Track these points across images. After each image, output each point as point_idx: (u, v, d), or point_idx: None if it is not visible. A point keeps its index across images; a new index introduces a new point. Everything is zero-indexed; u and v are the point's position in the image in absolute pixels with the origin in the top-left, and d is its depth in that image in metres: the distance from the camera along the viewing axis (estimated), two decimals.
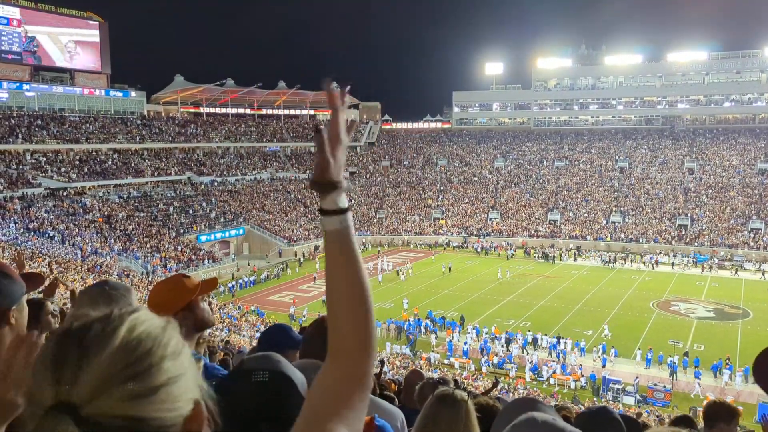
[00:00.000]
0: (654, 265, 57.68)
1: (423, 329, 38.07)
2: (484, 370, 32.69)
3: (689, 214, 67.41)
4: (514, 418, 1.72)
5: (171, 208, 62.15)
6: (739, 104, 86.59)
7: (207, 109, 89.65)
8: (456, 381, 11.83)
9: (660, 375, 31.04)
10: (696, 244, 62.26)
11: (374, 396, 3.42)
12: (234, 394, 1.78)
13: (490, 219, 73.28)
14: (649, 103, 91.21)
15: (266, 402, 1.73)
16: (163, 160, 72.60)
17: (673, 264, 57.68)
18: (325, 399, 1.27)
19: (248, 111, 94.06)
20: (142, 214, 58.60)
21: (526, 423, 1.57)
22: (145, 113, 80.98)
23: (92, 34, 75.22)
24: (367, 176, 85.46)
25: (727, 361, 31.03)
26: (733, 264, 56.27)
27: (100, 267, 42.70)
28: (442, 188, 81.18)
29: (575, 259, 61.73)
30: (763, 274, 53.26)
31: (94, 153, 67.49)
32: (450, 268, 55.31)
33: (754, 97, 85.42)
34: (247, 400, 1.74)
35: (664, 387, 29.19)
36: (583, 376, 31.33)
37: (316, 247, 64.96)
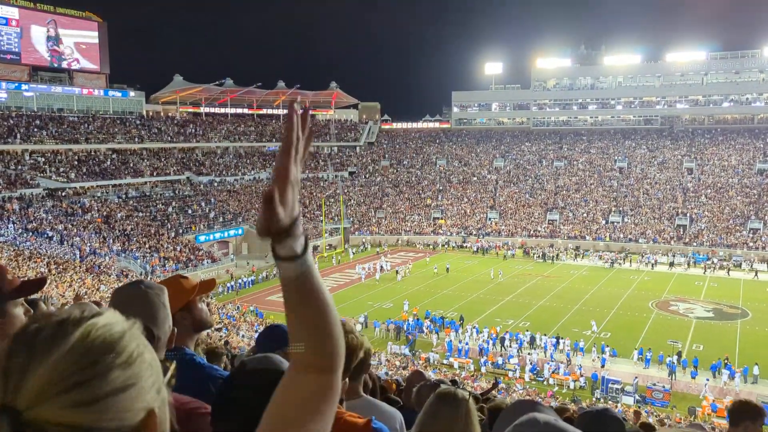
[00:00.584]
0: (653, 265, 57.72)
1: (425, 330, 38.05)
2: (483, 370, 32.69)
3: (688, 214, 67.45)
4: (515, 419, 1.72)
5: (170, 208, 62.13)
6: (738, 104, 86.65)
7: (206, 109, 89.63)
8: (455, 381, 11.82)
9: (659, 375, 31.04)
10: (695, 244, 62.32)
11: (374, 398, 3.41)
12: (236, 396, 1.76)
13: (490, 219, 73.31)
14: (648, 103, 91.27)
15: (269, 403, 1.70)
16: (162, 160, 72.61)
17: (671, 264, 57.69)
18: (298, 410, 1.26)
19: (247, 111, 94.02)
20: (140, 214, 58.58)
21: (527, 423, 1.56)
22: (144, 113, 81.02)
23: (91, 34, 75.24)
24: (367, 176, 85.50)
25: (726, 361, 31.05)
26: (728, 264, 56.30)
27: (99, 267, 42.69)
28: (441, 188, 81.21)
29: (575, 259, 61.77)
30: (756, 273, 53.32)
31: (92, 153, 67.49)
32: (447, 269, 55.28)
33: (753, 97, 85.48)
34: (250, 402, 1.70)
35: (663, 387, 29.17)
36: (582, 376, 31.31)
37: (315, 248, 65.02)
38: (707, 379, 29.78)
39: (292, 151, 1.20)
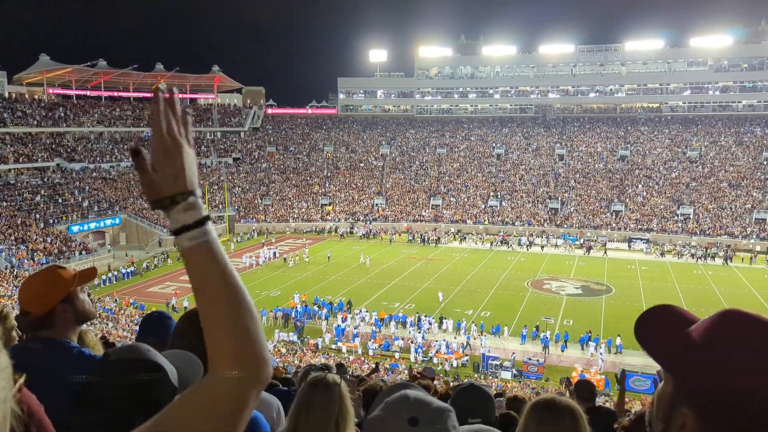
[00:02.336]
0: (528, 246, 61.26)
1: (316, 316, 38.20)
2: (371, 353, 33.42)
3: (559, 198, 71.97)
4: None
5: (38, 197, 58.08)
6: (603, 95, 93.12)
7: (77, 92, 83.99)
8: (341, 365, 12.14)
9: (534, 350, 33.17)
10: (566, 225, 66.71)
11: None
12: (98, 389, 1.69)
13: (376, 205, 74.44)
14: (523, 93, 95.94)
15: (138, 394, 1.65)
16: (29, 145, 67.47)
17: (543, 246, 61.54)
18: (200, 420, 1.15)
19: (123, 94, 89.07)
20: (4, 204, 54.33)
21: (399, 399, 1.72)
22: (6, 95, 74.81)
23: None
24: (252, 162, 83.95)
25: (590, 334, 33.69)
26: (591, 242, 61.06)
27: None
28: (329, 174, 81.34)
29: (461, 242, 64.31)
30: (605, 252, 58.49)
31: None
32: (328, 258, 55.70)
33: (616, 88, 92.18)
34: (118, 394, 1.65)
35: (538, 361, 31.22)
36: (466, 355, 32.82)
37: None
38: (601, 353, 31.84)
39: (163, 122, 1.22)
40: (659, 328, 1.19)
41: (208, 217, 1.27)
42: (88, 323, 3.08)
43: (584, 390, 6.16)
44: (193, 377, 1.84)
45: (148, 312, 4.35)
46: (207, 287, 1.21)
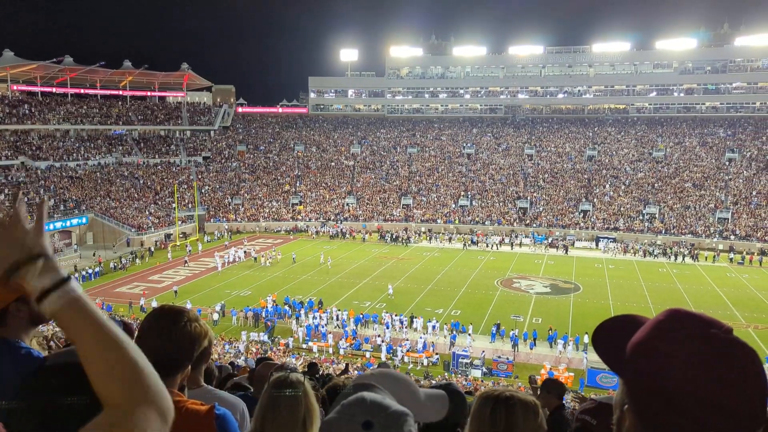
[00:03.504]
0: (498, 246, 61.84)
1: (286, 316, 38.07)
2: (341, 352, 33.42)
3: (528, 198, 72.74)
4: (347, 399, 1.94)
5: (2, 196, 56.84)
6: (571, 96, 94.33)
7: (42, 88, 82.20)
8: (313, 365, 12.18)
9: (504, 348, 33.51)
10: (535, 225, 67.47)
11: (214, 388, 3.49)
12: (32, 395, 1.64)
13: (347, 204, 74.36)
14: (493, 93, 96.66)
15: (72, 399, 1.58)
16: None
17: (512, 244, 62.28)
18: None
19: (90, 91, 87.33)
20: None
21: (355, 402, 1.66)
22: None
23: None
24: (222, 161, 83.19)
25: (549, 331, 34.30)
26: (561, 242, 62.11)
27: None
28: (299, 174, 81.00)
29: (430, 241, 64.66)
30: (566, 250, 59.99)
31: None
32: (293, 259, 55.48)
33: (584, 89, 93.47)
34: (47, 400, 1.60)
35: (507, 359, 31.54)
36: (436, 354, 33.00)
37: (168, 236, 62.51)
38: (585, 353, 32.20)
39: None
40: (613, 338, 1.21)
41: (69, 278, 1.26)
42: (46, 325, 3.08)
43: (556, 388, 6.23)
44: None
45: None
46: (84, 341, 1.20)
